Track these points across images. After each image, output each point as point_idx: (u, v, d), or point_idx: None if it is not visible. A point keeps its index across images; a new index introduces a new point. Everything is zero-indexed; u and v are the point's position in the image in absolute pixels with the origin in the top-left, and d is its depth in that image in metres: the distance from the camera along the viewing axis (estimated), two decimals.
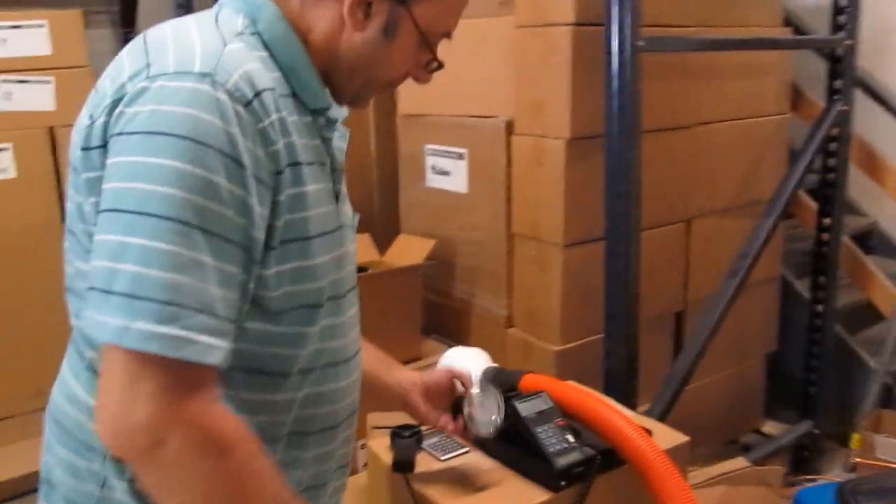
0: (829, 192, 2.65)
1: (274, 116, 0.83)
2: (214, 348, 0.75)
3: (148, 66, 0.80)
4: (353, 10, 0.89)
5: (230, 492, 0.76)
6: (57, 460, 0.93)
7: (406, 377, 1.25)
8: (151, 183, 0.74)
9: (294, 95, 0.89)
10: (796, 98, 2.86)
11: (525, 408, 1.29)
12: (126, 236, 0.73)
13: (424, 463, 1.31)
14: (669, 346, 2.54)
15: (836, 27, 2.52)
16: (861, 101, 2.77)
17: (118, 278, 0.72)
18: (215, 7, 0.91)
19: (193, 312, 0.73)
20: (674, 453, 1.27)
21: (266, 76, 0.84)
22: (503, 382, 1.34)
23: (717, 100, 2.48)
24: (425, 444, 1.34)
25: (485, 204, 2.41)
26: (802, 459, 2.75)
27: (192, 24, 0.86)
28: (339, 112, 0.98)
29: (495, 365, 1.46)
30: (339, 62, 0.92)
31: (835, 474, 2.61)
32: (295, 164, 0.86)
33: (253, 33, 0.87)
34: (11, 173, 2.35)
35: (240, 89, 0.79)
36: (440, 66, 0.98)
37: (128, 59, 0.84)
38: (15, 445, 2.32)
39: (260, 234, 0.82)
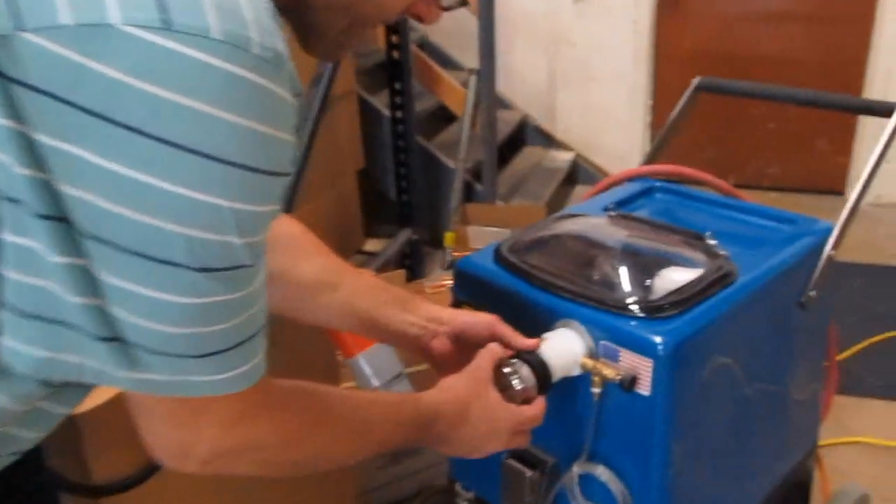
0: None
1: None
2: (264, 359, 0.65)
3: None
4: None
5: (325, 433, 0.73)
6: None
7: (432, 315, 0.97)
8: (188, 228, 0.54)
9: None
10: None
11: None
12: (159, 293, 0.55)
13: None
14: None
15: None
16: None
17: (153, 337, 0.57)
18: None
19: (250, 342, 0.62)
20: None
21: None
22: None
23: None
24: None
25: None
26: (407, 268, 2.84)
27: None
28: None
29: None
30: None
31: (437, 274, 2.73)
32: None
33: None
34: None
35: (293, 77, 0.56)
36: None
37: None
38: None
39: None
